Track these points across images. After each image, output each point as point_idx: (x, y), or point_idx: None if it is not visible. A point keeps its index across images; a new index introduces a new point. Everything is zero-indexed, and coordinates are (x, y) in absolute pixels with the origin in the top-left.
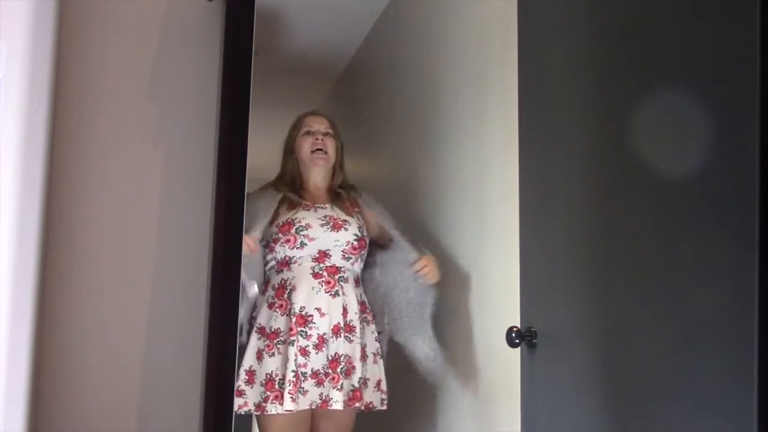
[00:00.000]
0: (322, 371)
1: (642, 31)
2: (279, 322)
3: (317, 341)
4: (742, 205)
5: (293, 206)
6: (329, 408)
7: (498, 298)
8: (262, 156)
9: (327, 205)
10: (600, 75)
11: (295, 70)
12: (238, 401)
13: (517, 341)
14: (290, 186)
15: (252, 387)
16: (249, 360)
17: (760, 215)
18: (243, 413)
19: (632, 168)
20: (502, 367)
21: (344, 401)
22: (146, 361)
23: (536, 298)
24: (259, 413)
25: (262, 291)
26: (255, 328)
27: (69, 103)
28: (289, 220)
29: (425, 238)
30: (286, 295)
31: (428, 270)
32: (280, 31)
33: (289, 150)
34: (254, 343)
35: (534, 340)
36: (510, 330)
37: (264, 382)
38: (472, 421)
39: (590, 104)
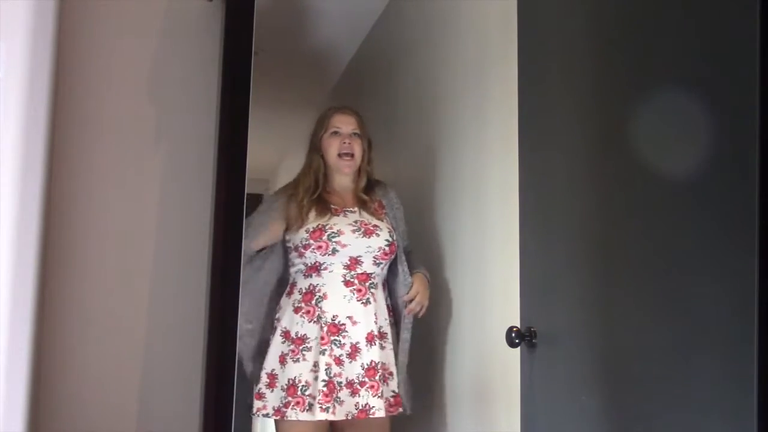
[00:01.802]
0: (356, 380)
1: (642, 31)
2: (306, 328)
3: (350, 350)
4: (742, 205)
5: (323, 211)
6: (370, 417)
7: (498, 298)
8: (263, 156)
9: (355, 209)
10: (600, 75)
11: (296, 70)
12: (257, 404)
13: (517, 341)
14: (314, 186)
15: (272, 391)
16: (271, 363)
17: (760, 215)
18: (260, 416)
19: (632, 168)
20: (502, 367)
21: (385, 408)
22: (146, 361)
23: (536, 298)
24: (278, 417)
25: (287, 293)
26: (279, 332)
27: (69, 103)
28: (320, 226)
29: (425, 239)
30: (314, 302)
31: (416, 302)
32: (280, 31)
33: (315, 148)
34: (278, 346)
35: (534, 340)
36: (510, 330)
37: (286, 386)
38: (472, 421)
39: (590, 104)
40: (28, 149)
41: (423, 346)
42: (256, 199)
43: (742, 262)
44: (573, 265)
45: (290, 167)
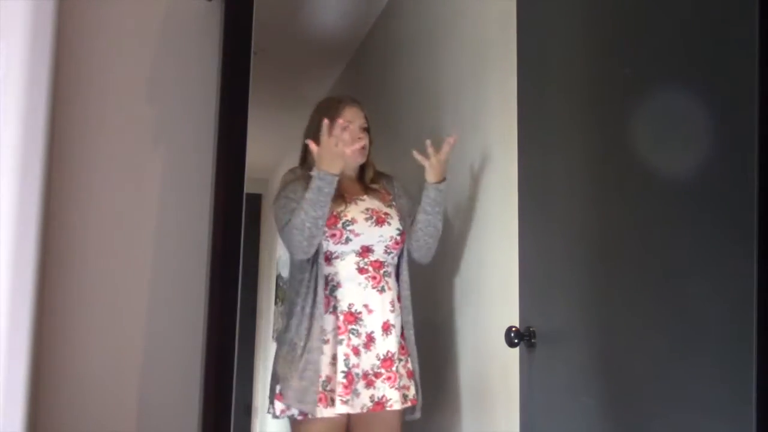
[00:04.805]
0: (371, 372)
1: (641, 31)
2: (323, 319)
3: (366, 339)
4: (741, 205)
5: (337, 199)
6: (387, 409)
7: (498, 298)
8: (262, 156)
9: (364, 197)
10: (599, 74)
11: (296, 70)
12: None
13: (516, 341)
14: None
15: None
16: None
17: (759, 215)
18: (285, 418)
19: (631, 168)
20: (501, 367)
21: (400, 400)
22: (146, 361)
23: (535, 298)
24: (302, 418)
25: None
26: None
27: (69, 103)
28: (335, 214)
29: None
30: (329, 291)
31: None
32: (280, 31)
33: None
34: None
35: (533, 340)
36: (509, 330)
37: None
38: (472, 421)
39: (589, 104)
40: (27, 149)
41: (423, 345)
42: (256, 199)
43: (741, 262)
44: (572, 265)
45: (290, 167)
